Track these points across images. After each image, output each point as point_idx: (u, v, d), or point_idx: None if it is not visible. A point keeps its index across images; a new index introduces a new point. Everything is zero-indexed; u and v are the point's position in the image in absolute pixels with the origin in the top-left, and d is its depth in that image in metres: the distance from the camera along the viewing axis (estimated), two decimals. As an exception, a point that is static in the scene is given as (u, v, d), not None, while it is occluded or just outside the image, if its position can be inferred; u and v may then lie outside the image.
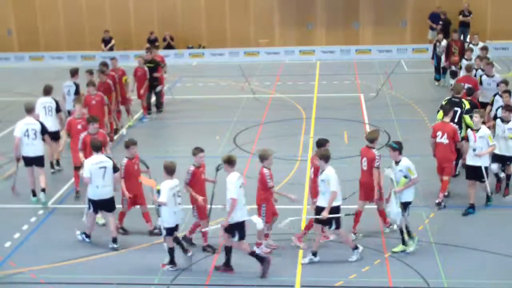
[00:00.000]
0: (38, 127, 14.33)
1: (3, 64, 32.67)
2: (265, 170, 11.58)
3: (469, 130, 13.37)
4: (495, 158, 13.86)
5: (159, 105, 21.82)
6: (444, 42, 23.71)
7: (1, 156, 17.12)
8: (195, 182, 11.70)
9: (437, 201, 13.60)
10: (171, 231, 11.21)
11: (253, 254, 11.10)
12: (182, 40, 33.20)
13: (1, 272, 11.43)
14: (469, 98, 15.33)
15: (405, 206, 11.57)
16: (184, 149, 16.95)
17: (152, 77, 20.84)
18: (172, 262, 11.35)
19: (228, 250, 11.18)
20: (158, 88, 21.38)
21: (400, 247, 11.73)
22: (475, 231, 12.56)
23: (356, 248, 11.53)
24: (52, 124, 15.89)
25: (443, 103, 14.94)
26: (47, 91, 16.27)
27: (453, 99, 14.92)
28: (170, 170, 11.21)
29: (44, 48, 33.75)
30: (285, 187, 14.28)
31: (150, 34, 32.29)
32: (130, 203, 12.58)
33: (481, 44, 22.33)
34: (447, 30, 29.26)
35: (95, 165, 12.02)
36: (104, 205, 12.18)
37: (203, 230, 11.80)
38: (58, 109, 16.30)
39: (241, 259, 11.45)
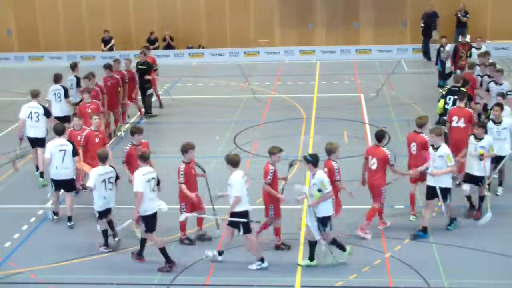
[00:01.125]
0: (41, 111, 15.38)
1: (3, 64, 32.67)
2: (334, 164, 11.62)
3: (430, 147, 12.32)
4: (467, 178, 13.08)
5: (148, 108, 21.16)
6: (448, 47, 22.99)
7: (1, 156, 17.13)
8: (273, 181, 11.60)
9: (457, 182, 13.74)
10: (101, 214, 11.97)
11: (163, 250, 11.24)
12: (182, 40, 33.17)
13: (1, 272, 11.43)
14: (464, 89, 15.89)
15: (323, 221, 11.09)
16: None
17: (143, 79, 20.61)
18: (106, 244, 12.06)
19: (142, 241, 11.56)
20: (150, 91, 21.08)
21: (305, 262, 11.30)
22: (475, 231, 12.54)
23: (261, 260, 11.22)
24: (61, 110, 17.13)
25: (443, 92, 16.22)
26: (57, 78, 17.40)
27: (452, 88, 16.06)
28: (101, 158, 12.03)
29: (44, 48, 33.72)
30: (285, 187, 14.24)
31: (150, 34, 32.27)
32: (190, 209, 12.04)
33: (482, 48, 22.00)
34: (429, 31, 29.47)
35: (56, 147, 13.09)
36: (63, 185, 13.30)
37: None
38: (66, 95, 17.31)
39: (241, 259, 11.47)
